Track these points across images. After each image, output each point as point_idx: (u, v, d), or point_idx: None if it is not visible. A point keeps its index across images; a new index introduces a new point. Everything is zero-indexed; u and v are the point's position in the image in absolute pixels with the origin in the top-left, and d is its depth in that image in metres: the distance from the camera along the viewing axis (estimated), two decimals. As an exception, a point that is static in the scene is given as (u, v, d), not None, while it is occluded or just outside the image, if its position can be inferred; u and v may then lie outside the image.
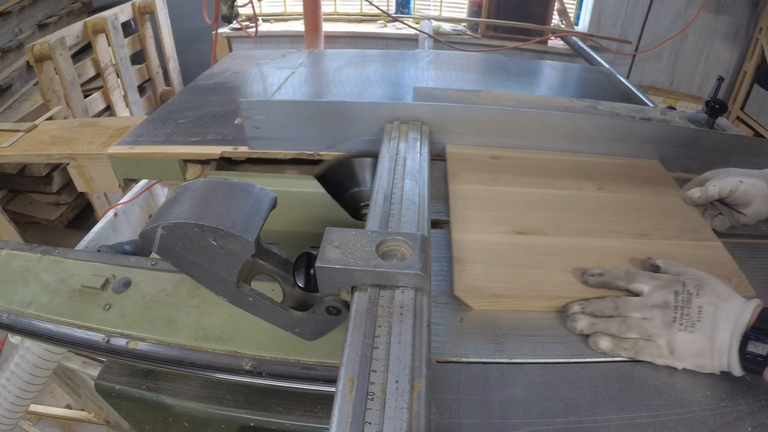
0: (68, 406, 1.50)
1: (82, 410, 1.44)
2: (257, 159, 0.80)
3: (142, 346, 0.56)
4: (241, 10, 1.60)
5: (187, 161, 0.84)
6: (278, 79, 1.12)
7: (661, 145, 0.82)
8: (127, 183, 0.93)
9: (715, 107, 0.88)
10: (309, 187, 0.75)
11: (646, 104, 1.14)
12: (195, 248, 0.39)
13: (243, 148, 0.80)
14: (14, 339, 0.87)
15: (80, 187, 1.01)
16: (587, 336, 0.49)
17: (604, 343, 0.47)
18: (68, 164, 1.01)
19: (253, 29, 2.11)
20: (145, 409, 0.60)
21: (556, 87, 1.29)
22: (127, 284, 0.66)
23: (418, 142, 0.69)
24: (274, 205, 0.43)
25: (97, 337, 0.58)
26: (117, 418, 1.35)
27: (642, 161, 0.79)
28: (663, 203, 0.69)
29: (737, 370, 0.44)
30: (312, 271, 0.40)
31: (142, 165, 0.87)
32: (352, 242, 0.41)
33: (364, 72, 1.16)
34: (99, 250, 1.17)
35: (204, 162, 0.84)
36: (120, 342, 0.57)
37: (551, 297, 0.52)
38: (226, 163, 0.84)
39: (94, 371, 1.13)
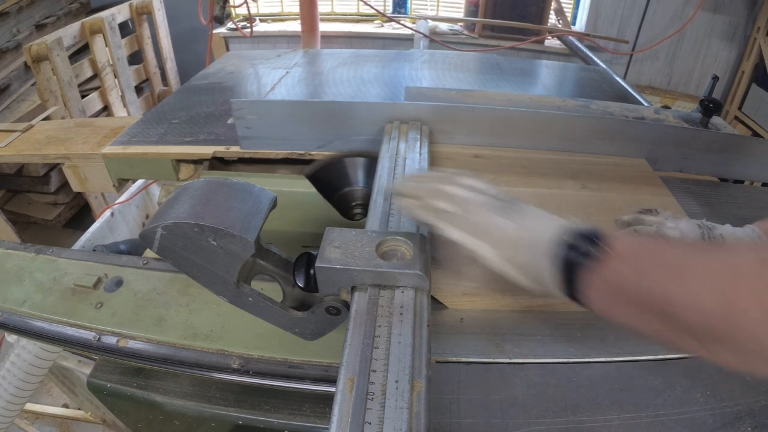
0: (65, 405, 1.51)
1: (79, 409, 1.44)
2: (249, 159, 0.81)
3: (132, 344, 0.56)
4: (237, 11, 1.60)
5: (179, 161, 0.84)
6: (272, 79, 1.12)
7: (654, 144, 0.81)
8: (121, 183, 0.94)
9: (710, 106, 0.88)
10: (300, 186, 0.76)
11: (641, 103, 1.15)
12: (195, 248, 0.39)
13: (235, 148, 0.80)
14: (11, 338, 0.88)
15: (75, 187, 1.02)
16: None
17: (410, 202, 0.43)
18: (63, 164, 1.02)
19: (247, 30, 2.11)
20: (136, 406, 0.61)
21: (550, 86, 1.30)
22: (118, 283, 0.66)
23: (418, 142, 0.69)
24: (274, 205, 0.43)
25: (88, 335, 0.59)
26: (113, 416, 1.36)
27: (628, 160, 0.79)
28: (646, 202, 0.68)
29: (552, 277, 0.35)
30: (312, 271, 0.41)
31: (136, 165, 0.87)
32: (352, 242, 0.41)
33: (358, 72, 1.16)
34: (94, 250, 1.18)
35: (197, 162, 0.84)
36: (110, 340, 0.57)
37: (525, 295, 0.52)
38: (218, 162, 0.84)
39: (89, 370, 1.14)
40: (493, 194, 0.42)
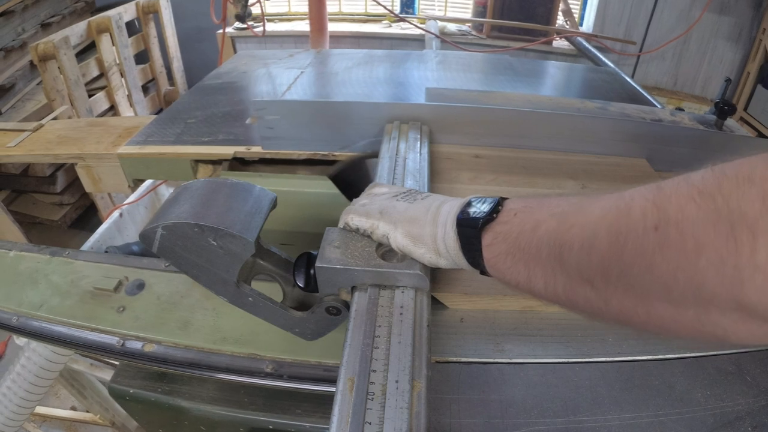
0: (73, 408, 1.49)
1: (87, 412, 1.43)
2: (270, 159, 0.80)
3: (158, 349, 0.55)
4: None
5: (198, 161, 0.83)
6: (287, 79, 1.11)
7: (670, 146, 0.81)
8: (136, 183, 0.92)
9: (724, 108, 0.88)
10: (323, 187, 0.75)
11: (654, 105, 1.14)
12: (195, 248, 0.39)
13: (256, 148, 0.79)
14: (19, 341, 0.87)
15: (88, 187, 1.01)
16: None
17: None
18: (76, 164, 1.00)
19: (259, 29, 2.09)
20: (160, 412, 0.59)
21: (564, 87, 1.29)
22: (140, 286, 0.65)
23: (418, 142, 0.69)
24: (274, 205, 0.43)
25: (112, 340, 0.58)
26: (123, 419, 1.34)
27: (629, 160, 0.79)
28: None
29: (453, 243, 0.36)
30: (312, 271, 0.40)
31: (152, 165, 0.86)
32: (352, 242, 0.41)
33: (374, 72, 1.15)
34: (106, 251, 1.16)
35: (216, 162, 0.83)
36: (135, 345, 0.56)
37: (524, 296, 0.51)
38: (237, 163, 0.83)
39: (102, 373, 1.12)
40: (400, 191, 0.44)
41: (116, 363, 1.05)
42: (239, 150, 0.79)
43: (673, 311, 0.24)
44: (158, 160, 0.85)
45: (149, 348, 0.55)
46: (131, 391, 0.60)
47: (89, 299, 0.65)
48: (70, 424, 1.48)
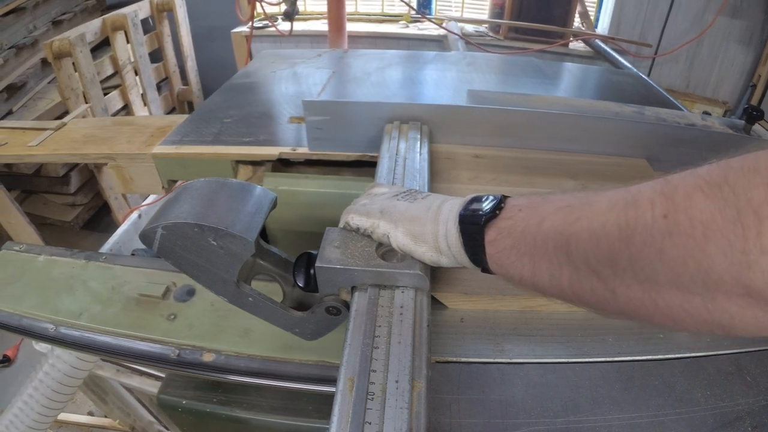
0: (90, 413, 1.46)
1: (105, 417, 1.40)
2: (315, 161, 0.77)
3: (218, 359, 0.53)
4: (268, 8, 1.57)
5: (239, 162, 0.81)
6: (320, 79, 1.09)
7: (703, 151, 0.80)
8: (171, 184, 0.90)
9: (753, 114, 0.88)
10: (372, 190, 0.72)
11: (680, 108, 1.14)
12: (195, 248, 0.38)
13: (301, 149, 0.77)
14: (39, 347, 0.84)
15: (118, 188, 0.98)
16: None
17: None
18: (106, 164, 0.98)
19: (282, 27, 2.06)
20: (215, 424, 0.57)
21: (593, 90, 1.28)
22: (190, 292, 0.63)
23: (418, 142, 0.68)
24: (274, 205, 0.43)
25: (166, 350, 0.55)
26: (145, 424, 1.31)
27: (629, 160, 0.78)
28: None
29: (455, 240, 0.35)
30: (312, 271, 0.40)
31: (190, 166, 0.83)
32: (352, 242, 0.41)
33: (407, 73, 1.13)
34: (133, 254, 1.13)
35: (257, 163, 0.80)
36: (193, 355, 0.54)
37: (525, 295, 0.52)
38: (279, 164, 0.81)
39: (127, 378, 1.10)
40: (401, 190, 0.44)
41: (146, 371, 1.02)
42: (284, 150, 0.77)
43: (682, 299, 0.25)
44: (196, 160, 0.82)
45: (208, 357, 0.53)
46: (183, 402, 0.58)
47: (134, 306, 0.62)
48: (87, 430, 1.45)
